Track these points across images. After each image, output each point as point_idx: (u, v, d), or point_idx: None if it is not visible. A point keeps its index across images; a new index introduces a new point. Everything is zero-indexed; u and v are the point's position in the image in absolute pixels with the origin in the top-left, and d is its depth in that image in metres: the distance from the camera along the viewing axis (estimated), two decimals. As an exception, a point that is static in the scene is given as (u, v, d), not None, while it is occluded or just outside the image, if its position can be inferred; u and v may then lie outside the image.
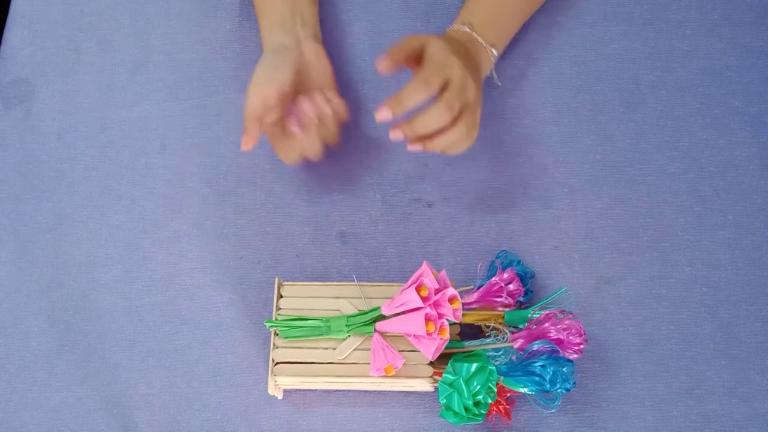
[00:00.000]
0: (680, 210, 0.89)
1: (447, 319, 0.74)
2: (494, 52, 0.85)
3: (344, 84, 0.95)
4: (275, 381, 0.78)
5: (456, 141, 0.79)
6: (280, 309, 0.80)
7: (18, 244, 0.90)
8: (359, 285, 0.81)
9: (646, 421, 0.81)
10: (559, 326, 0.76)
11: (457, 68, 0.77)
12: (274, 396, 0.81)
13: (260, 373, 0.84)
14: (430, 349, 0.74)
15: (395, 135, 0.77)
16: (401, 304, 0.74)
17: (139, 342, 0.86)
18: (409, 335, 0.75)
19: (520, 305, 0.82)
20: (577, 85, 0.94)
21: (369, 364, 0.76)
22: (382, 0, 0.99)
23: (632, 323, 0.84)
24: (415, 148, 0.78)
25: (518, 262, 0.83)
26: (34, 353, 0.86)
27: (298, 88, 0.85)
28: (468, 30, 0.84)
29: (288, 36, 0.86)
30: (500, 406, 0.77)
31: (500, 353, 0.78)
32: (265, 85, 0.81)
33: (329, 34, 0.97)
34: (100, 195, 0.92)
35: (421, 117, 0.76)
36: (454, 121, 0.77)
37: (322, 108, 0.82)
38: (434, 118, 0.76)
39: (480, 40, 0.85)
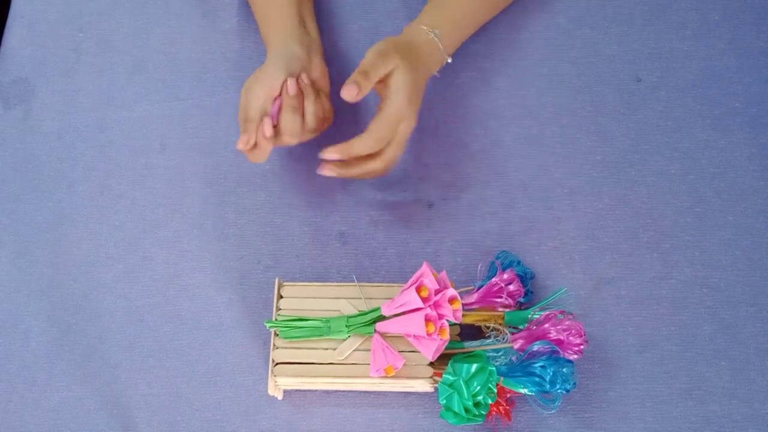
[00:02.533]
0: (680, 211, 0.89)
1: (447, 320, 0.74)
2: (449, 61, 0.87)
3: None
4: (275, 381, 0.78)
5: (372, 171, 0.82)
6: (280, 309, 0.80)
7: (18, 243, 0.90)
8: (359, 285, 0.81)
9: (646, 422, 0.81)
10: (559, 327, 0.76)
11: (408, 120, 0.80)
12: (274, 396, 0.81)
13: (260, 373, 0.84)
14: (430, 350, 0.74)
15: (328, 173, 0.82)
16: (401, 305, 0.74)
17: (139, 342, 0.86)
18: (409, 336, 0.75)
19: (520, 306, 0.82)
20: (578, 85, 0.94)
21: (369, 364, 0.76)
22: None
23: (632, 324, 0.84)
24: (329, 173, 0.82)
25: (518, 263, 0.83)
26: (34, 353, 0.86)
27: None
28: (434, 39, 0.85)
29: (300, 46, 0.85)
30: (500, 407, 0.77)
31: (500, 354, 0.78)
32: (267, 84, 0.81)
33: (328, 34, 0.97)
34: (100, 195, 0.92)
35: (352, 148, 0.80)
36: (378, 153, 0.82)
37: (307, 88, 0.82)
38: (364, 149, 0.80)
39: (442, 49, 0.86)
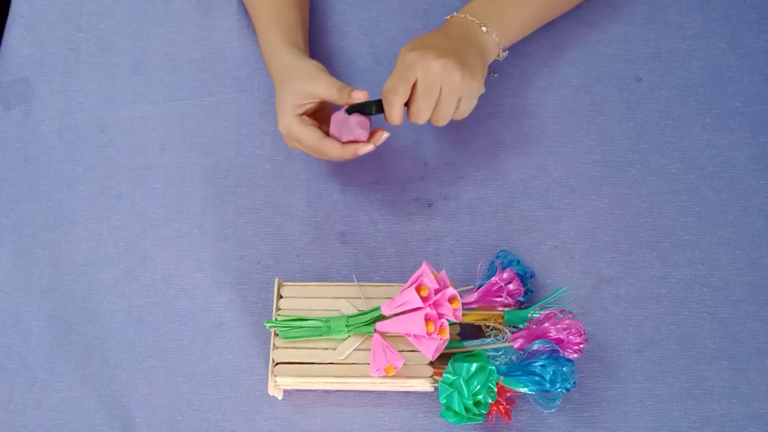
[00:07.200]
0: (680, 210, 0.89)
1: (447, 319, 0.74)
2: (485, 29, 0.84)
3: (344, 84, 0.95)
4: (275, 381, 0.78)
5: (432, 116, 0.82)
6: (280, 309, 0.80)
7: (18, 244, 0.90)
8: (359, 285, 0.81)
9: (645, 421, 0.81)
10: (558, 326, 0.76)
11: (420, 64, 0.78)
12: (274, 396, 0.81)
13: (260, 373, 0.84)
14: (430, 349, 0.74)
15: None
16: (401, 304, 0.74)
17: (139, 342, 0.86)
18: (409, 335, 0.75)
19: (520, 305, 0.82)
20: (578, 85, 0.94)
21: (369, 364, 0.76)
22: (380, -1, 0.99)
23: (632, 323, 0.84)
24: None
25: (518, 262, 0.83)
26: (34, 353, 0.86)
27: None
28: (458, 14, 0.85)
29: (305, 53, 0.86)
30: (500, 406, 0.77)
31: (500, 353, 0.78)
32: (328, 78, 0.81)
33: (328, 34, 0.97)
34: (100, 195, 0.92)
35: (413, 117, 0.81)
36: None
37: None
38: (422, 113, 0.80)
39: (474, 20, 0.84)
